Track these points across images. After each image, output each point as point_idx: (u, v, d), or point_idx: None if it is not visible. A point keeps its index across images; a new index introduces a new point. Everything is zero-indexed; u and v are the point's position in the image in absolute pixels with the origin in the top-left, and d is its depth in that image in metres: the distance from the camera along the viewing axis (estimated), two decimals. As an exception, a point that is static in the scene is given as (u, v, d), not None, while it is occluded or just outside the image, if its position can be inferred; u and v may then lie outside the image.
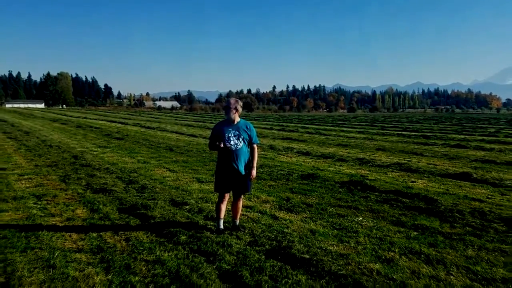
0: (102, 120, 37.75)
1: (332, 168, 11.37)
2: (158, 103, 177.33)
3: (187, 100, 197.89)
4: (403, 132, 27.82)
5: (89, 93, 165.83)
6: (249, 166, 5.33)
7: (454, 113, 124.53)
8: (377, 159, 13.42)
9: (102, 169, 10.12)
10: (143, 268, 4.13)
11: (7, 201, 6.83)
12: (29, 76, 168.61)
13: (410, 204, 7.14)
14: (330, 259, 4.40)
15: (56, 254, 4.43)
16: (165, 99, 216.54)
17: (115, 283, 3.78)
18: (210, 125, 34.29)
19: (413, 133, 26.75)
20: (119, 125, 30.41)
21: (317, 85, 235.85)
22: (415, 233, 5.56)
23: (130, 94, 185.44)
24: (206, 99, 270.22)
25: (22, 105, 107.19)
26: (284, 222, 5.92)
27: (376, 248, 4.89)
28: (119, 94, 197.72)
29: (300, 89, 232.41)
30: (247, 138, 5.29)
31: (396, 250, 4.83)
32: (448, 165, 12.54)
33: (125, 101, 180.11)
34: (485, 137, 23.97)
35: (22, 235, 5.07)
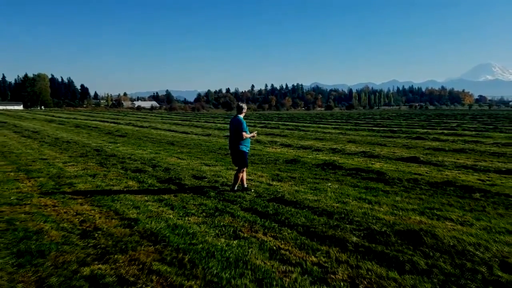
0: (93, 120, 39.61)
1: (310, 156, 14.07)
2: (136, 103, 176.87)
3: (165, 100, 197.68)
4: (374, 128, 30.92)
5: (65, 94, 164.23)
6: None
7: (427, 109, 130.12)
8: (347, 149, 16.21)
9: (126, 158, 12.54)
10: (194, 207, 6.70)
11: (71, 178, 9.24)
12: (3, 77, 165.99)
13: (366, 176, 9.91)
14: (308, 201, 7.06)
15: (136, 202, 6.95)
16: (143, 99, 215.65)
17: (180, 213, 6.33)
18: (196, 123, 36.65)
19: (382, 128, 29.87)
20: (112, 124, 32.49)
21: (295, 84, 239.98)
22: (365, 190, 8.30)
23: (108, 94, 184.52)
24: (185, 99, 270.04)
25: (0, 107, 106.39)
26: (276, 186, 8.57)
27: (338, 197, 7.58)
28: (95, 94, 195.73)
29: (278, 88, 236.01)
30: None
31: (350, 198, 7.53)
32: (405, 152, 15.42)
33: (102, 101, 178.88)
34: (444, 131, 27.29)
35: (104, 195, 7.54)
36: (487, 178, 10.01)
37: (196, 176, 9.51)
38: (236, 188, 7.96)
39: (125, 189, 8.13)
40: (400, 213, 6.51)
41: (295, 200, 7.11)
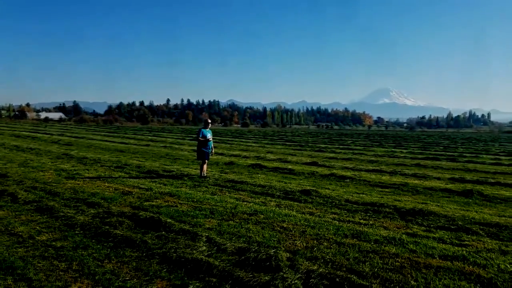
0: (21, 131, 40.01)
1: (241, 161, 18.54)
2: (42, 114, 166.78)
3: (73, 111, 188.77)
4: (286, 143, 36.64)
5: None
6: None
7: (332, 129, 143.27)
8: (267, 157, 21.02)
9: (97, 160, 15.83)
10: (179, 184, 10.72)
11: (74, 171, 12.54)
12: None
13: (282, 171, 14.66)
14: (249, 182, 11.49)
15: (139, 182, 10.76)
16: (48, 110, 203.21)
17: (173, 187, 10.32)
18: (126, 135, 39.27)
19: (293, 143, 35.66)
20: (47, 135, 33.94)
21: (212, 100, 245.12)
22: (282, 178, 12.99)
23: (9, 105, 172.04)
24: (94, 110, 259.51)
25: None
26: (226, 175, 12.87)
27: (266, 181, 12.12)
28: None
29: (195, 103, 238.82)
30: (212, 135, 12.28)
31: (274, 181, 12.12)
32: (309, 159, 20.61)
33: (3, 111, 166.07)
34: (340, 146, 33.74)
35: (112, 178, 11.16)
36: (358, 174, 15.30)
37: (165, 170, 13.45)
38: (202, 174, 12.09)
39: (121, 177, 11.81)
40: (301, 186, 11.24)
41: (241, 181, 11.52)
